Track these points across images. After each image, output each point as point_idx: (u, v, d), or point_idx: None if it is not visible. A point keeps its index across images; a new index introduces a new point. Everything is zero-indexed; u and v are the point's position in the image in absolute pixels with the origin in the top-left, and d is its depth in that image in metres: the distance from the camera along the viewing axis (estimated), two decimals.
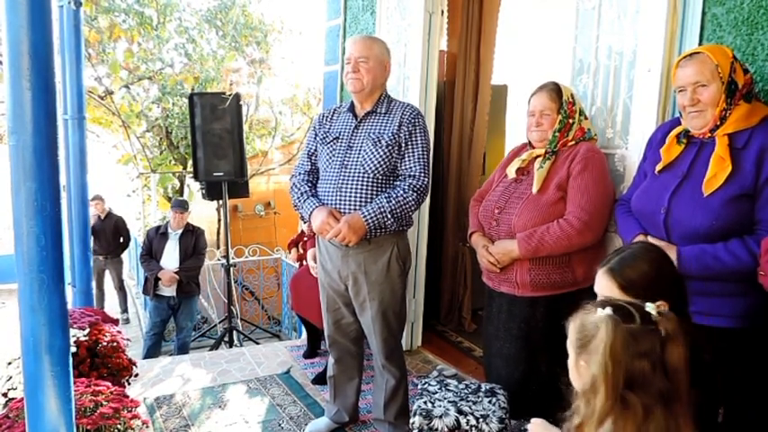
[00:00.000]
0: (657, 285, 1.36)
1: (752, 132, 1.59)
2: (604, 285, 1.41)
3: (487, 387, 2.07)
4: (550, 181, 2.04)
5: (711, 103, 1.61)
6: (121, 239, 7.15)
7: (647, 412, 0.94)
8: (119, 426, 2.11)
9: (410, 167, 2.24)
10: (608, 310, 1.02)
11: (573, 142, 2.08)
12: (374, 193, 2.21)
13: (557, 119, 2.06)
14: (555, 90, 2.08)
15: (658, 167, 1.75)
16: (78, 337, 2.64)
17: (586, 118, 2.13)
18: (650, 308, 1.04)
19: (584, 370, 1.03)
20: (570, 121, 2.06)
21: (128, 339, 2.97)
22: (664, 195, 1.69)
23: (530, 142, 2.19)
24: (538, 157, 2.11)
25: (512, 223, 2.06)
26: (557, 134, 2.07)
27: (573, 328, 1.09)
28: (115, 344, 2.78)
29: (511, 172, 2.16)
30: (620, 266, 1.38)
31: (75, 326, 2.70)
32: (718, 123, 1.62)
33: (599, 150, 2.07)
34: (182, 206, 5.03)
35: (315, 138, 2.41)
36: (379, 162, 2.21)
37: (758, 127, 1.60)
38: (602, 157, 2.05)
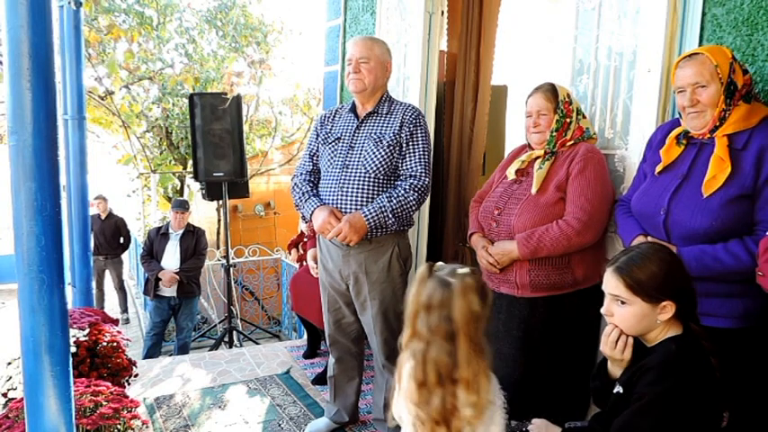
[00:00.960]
0: (665, 286, 1.35)
1: (751, 133, 1.59)
2: (612, 285, 1.40)
3: None
4: (550, 182, 2.04)
5: (711, 104, 1.61)
6: (121, 240, 7.16)
7: (428, 341, 1.29)
8: (118, 426, 2.11)
9: (411, 167, 2.24)
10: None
11: (572, 142, 2.08)
12: (375, 193, 2.21)
13: (554, 118, 2.06)
14: (551, 90, 2.08)
15: (658, 168, 1.75)
16: (78, 337, 2.64)
17: (584, 117, 2.13)
18: (461, 269, 1.32)
19: None
20: (568, 120, 2.06)
21: (128, 339, 2.96)
22: (663, 196, 1.69)
23: (529, 144, 2.19)
24: (537, 158, 2.11)
25: (511, 224, 2.05)
26: (554, 134, 2.07)
27: None
28: (115, 344, 2.78)
29: (510, 173, 2.16)
30: (628, 266, 1.38)
31: (75, 326, 2.70)
32: (718, 124, 1.62)
33: (598, 151, 2.07)
34: (182, 206, 5.02)
35: (316, 138, 2.42)
36: (380, 162, 2.22)
37: (758, 128, 1.60)
38: (601, 158, 2.05)
